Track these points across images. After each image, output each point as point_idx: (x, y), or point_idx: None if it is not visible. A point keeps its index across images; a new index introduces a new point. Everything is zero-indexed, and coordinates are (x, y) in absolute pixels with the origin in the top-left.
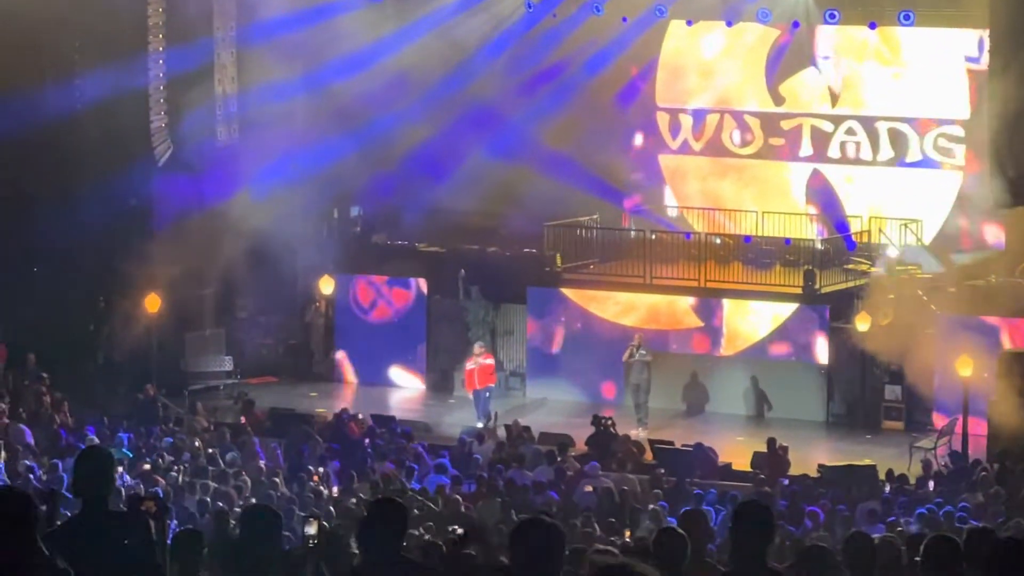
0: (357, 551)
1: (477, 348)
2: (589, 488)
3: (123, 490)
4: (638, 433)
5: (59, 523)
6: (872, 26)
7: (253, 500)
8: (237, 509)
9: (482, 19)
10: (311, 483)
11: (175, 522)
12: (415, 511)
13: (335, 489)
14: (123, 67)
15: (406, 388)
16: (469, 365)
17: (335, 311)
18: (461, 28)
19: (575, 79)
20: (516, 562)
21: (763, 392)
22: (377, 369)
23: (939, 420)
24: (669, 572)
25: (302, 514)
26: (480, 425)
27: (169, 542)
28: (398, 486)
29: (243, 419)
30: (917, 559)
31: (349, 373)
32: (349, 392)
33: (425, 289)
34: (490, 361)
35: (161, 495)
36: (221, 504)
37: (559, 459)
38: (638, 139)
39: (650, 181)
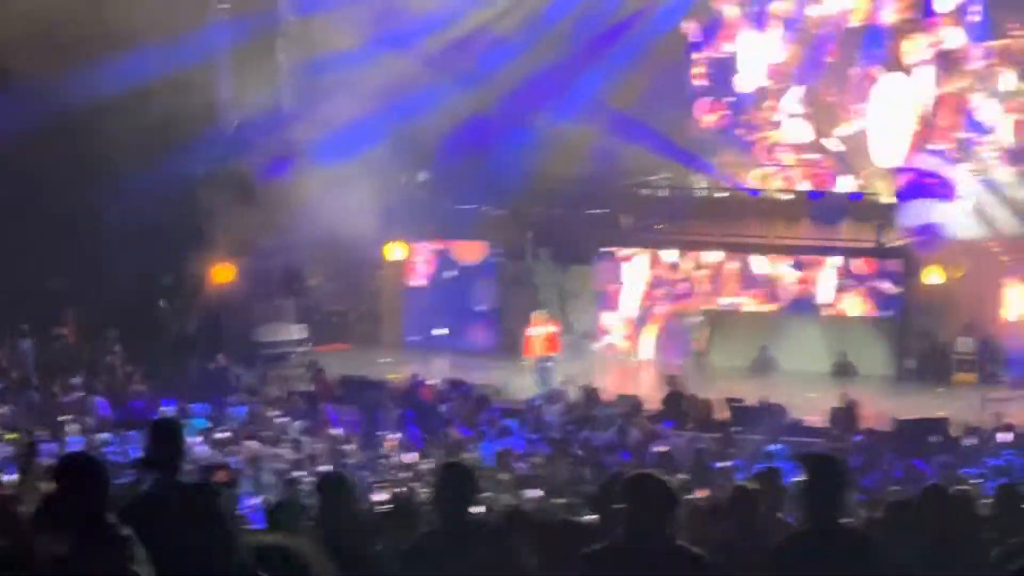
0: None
1: (538, 315)
2: (662, 448)
3: (198, 461)
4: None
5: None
6: None
7: (326, 468)
8: (311, 477)
9: None
10: (384, 449)
11: (250, 491)
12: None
13: (410, 455)
14: (186, 39)
15: (477, 352)
16: (530, 331)
17: (403, 276)
18: None
19: (642, 37)
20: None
21: (844, 352)
22: (447, 333)
23: (1013, 372)
24: (743, 529)
25: (374, 480)
26: (542, 390)
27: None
28: (468, 451)
29: (313, 387)
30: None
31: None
32: (420, 357)
33: (492, 252)
34: (552, 329)
35: (235, 465)
36: (295, 472)
37: (632, 420)
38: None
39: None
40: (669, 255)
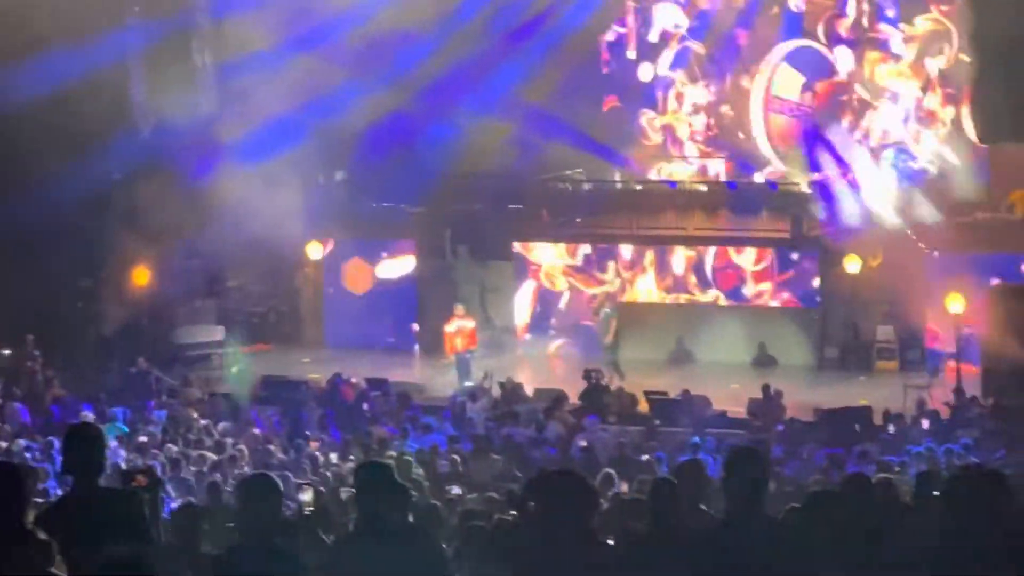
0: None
1: (458, 310)
2: (583, 443)
3: (120, 465)
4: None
5: (50, 501)
6: None
7: (248, 469)
8: (233, 478)
9: None
10: (308, 449)
11: (172, 495)
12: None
13: (333, 455)
14: (100, 41)
15: (398, 350)
16: (449, 328)
17: (324, 276)
18: None
19: (557, 32)
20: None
21: (763, 343)
22: (369, 332)
23: (932, 359)
24: (664, 522)
25: (298, 481)
26: (467, 385)
27: (167, 516)
28: (393, 450)
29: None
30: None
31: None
32: (341, 356)
33: (413, 251)
34: (471, 324)
35: (157, 468)
36: (217, 474)
37: (554, 415)
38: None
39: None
40: (584, 249)
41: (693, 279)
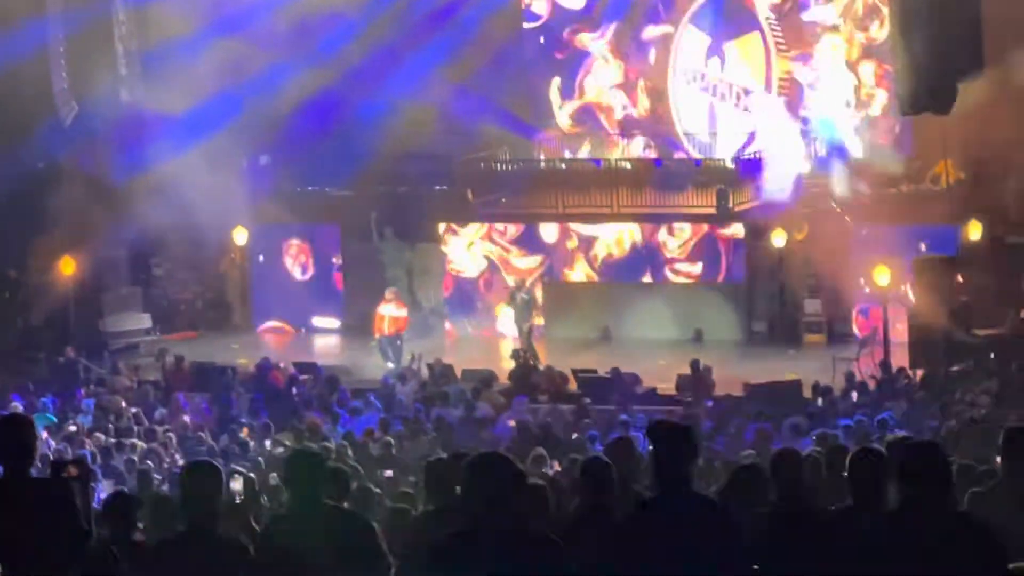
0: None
1: (388, 293)
2: (512, 423)
3: (49, 456)
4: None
5: None
6: None
7: (179, 457)
8: (164, 466)
9: None
10: (240, 436)
11: (102, 484)
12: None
13: (265, 442)
14: (20, 29)
15: (326, 333)
16: (380, 310)
17: (250, 262)
18: None
19: (476, 13)
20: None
21: (692, 317)
22: (296, 315)
23: (860, 331)
24: (596, 501)
25: (229, 468)
26: (391, 367)
27: (97, 505)
28: (322, 435)
29: (162, 375)
30: (843, 474)
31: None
32: (270, 341)
33: (339, 233)
34: (403, 312)
35: (88, 457)
36: (149, 462)
37: (481, 395)
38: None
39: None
40: (509, 228)
41: (618, 255)
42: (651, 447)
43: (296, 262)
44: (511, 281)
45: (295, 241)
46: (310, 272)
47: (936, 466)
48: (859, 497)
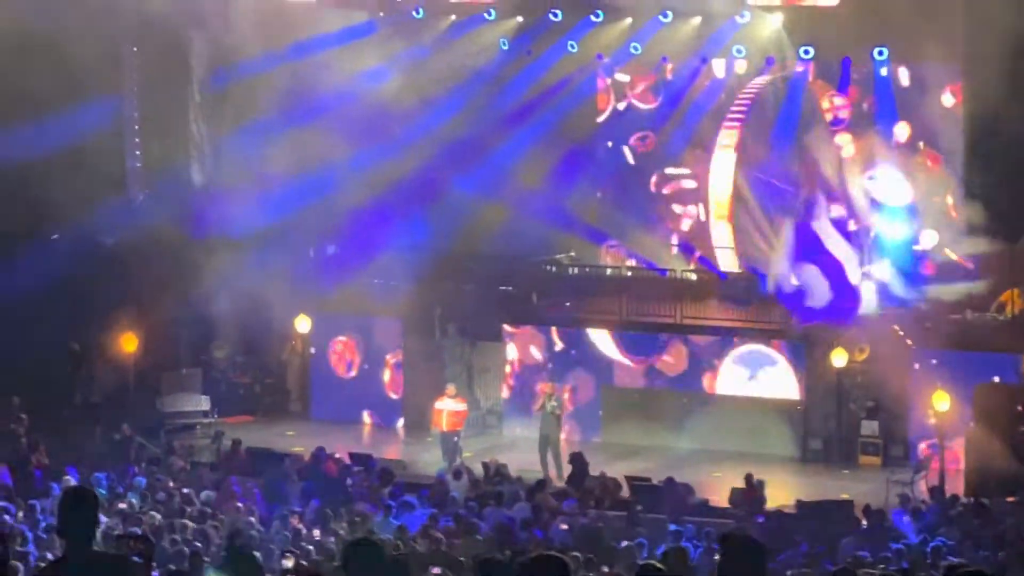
0: None
1: (450, 388)
2: (564, 526)
3: (108, 531)
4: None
5: (43, 565)
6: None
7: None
8: (212, 549)
9: (458, 55)
10: (291, 522)
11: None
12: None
13: (316, 531)
14: (96, 107)
15: (384, 427)
16: (439, 405)
17: (311, 350)
18: (437, 65)
19: (551, 115)
20: None
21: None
22: (355, 408)
23: (916, 455)
24: None
25: (280, 551)
26: (449, 464)
27: None
28: (369, 526)
29: (217, 459)
30: None
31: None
32: (327, 431)
33: (401, 328)
34: (462, 407)
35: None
36: (198, 544)
37: (535, 497)
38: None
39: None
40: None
41: (679, 365)
42: (722, 556)
43: (341, 359)
44: (545, 387)
45: (341, 338)
46: (355, 370)
47: None
48: None
